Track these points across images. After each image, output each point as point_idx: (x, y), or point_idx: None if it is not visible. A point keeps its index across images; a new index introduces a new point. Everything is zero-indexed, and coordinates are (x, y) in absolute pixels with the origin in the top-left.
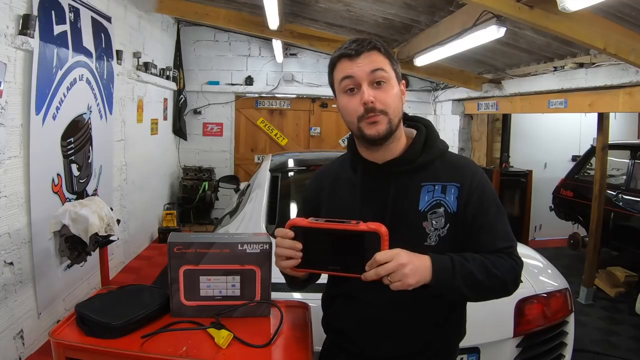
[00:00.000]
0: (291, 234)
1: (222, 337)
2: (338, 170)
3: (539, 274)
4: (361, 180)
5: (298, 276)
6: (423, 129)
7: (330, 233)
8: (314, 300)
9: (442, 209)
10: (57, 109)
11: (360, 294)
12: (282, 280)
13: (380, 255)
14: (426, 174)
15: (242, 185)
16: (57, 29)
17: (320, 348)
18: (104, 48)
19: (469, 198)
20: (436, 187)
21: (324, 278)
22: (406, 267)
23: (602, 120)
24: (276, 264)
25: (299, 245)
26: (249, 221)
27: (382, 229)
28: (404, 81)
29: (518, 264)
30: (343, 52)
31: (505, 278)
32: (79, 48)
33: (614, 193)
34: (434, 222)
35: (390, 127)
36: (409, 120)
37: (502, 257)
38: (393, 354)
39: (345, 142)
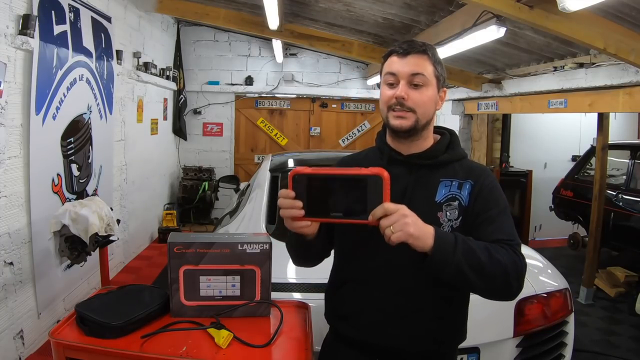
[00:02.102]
0: (292, 193)
1: (222, 337)
2: (363, 159)
3: (539, 274)
4: (385, 167)
5: (306, 233)
6: (448, 135)
7: (333, 179)
8: (314, 300)
9: (456, 202)
10: (57, 109)
11: (368, 279)
12: (282, 280)
13: (387, 205)
14: (446, 172)
15: (242, 185)
16: (57, 29)
17: (320, 348)
18: (104, 48)
19: (479, 193)
20: (453, 183)
21: (324, 278)
22: (408, 217)
23: (602, 120)
24: (285, 224)
25: (299, 203)
26: (249, 221)
27: (384, 173)
28: (445, 90)
29: (520, 259)
30: (395, 49)
31: (507, 267)
32: (79, 48)
33: (614, 193)
34: (448, 213)
35: (416, 125)
36: (437, 128)
37: (504, 247)
38: (397, 345)
39: (345, 143)
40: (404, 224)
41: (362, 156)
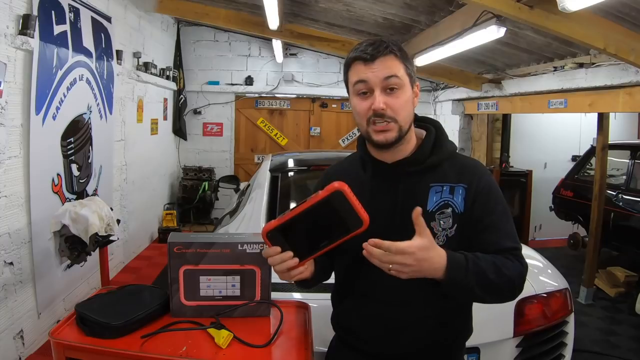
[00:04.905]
0: (277, 249)
1: (222, 337)
2: (346, 169)
3: (539, 274)
4: (370, 180)
5: (305, 276)
6: (432, 130)
7: (299, 218)
8: (314, 300)
9: (449, 210)
10: (57, 109)
11: (371, 292)
12: (283, 280)
13: (395, 246)
14: (435, 175)
15: (242, 185)
16: (57, 29)
17: (323, 348)
18: (104, 48)
19: (475, 197)
20: (444, 188)
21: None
22: (409, 267)
23: (602, 120)
24: (282, 279)
25: (290, 254)
26: (249, 221)
27: (336, 185)
28: (418, 83)
29: (524, 267)
30: (359, 55)
31: (513, 279)
32: (79, 48)
33: (614, 193)
34: (441, 222)
35: (400, 133)
36: (419, 121)
37: (510, 258)
38: (401, 352)
39: (345, 143)
40: (401, 272)
41: (346, 165)
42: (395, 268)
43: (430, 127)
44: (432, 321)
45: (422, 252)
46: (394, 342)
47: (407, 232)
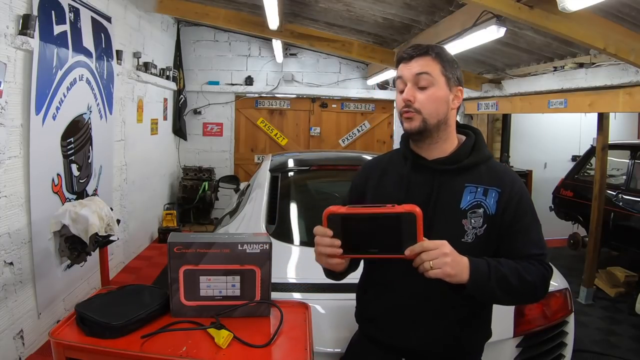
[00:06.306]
0: (330, 232)
1: (222, 337)
2: (387, 163)
3: None
4: (408, 173)
5: (338, 270)
6: (472, 135)
7: (366, 218)
8: (314, 300)
9: (481, 210)
10: (57, 109)
11: (394, 284)
12: (282, 280)
13: (427, 243)
14: (471, 176)
15: (242, 185)
16: (57, 29)
17: (324, 348)
18: (104, 48)
19: (508, 203)
20: (478, 189)
21: (324, 279)
22: (448, 256)
23: (602, 120)
24: (316, 260)
25: (338, 242)
26: (249, 221)
27: (417, 209)
28: (460, 88)
29: (548, 271)
30: (401, 56)
31: (535, 284)
32: (79, 48)
33: (614, 193)
34: (472, 220)
35: (425, 125)
36: (461, 128)
37: (534, 263)
38: (421, 346)
39: (345, 143)
40: (443, 263)
41: (386, 159)
42: (437, 263)
43: (470, 132)
44: (451, 318)
45: (449, 245)
46: (412, 336)
47: (436, 226)
